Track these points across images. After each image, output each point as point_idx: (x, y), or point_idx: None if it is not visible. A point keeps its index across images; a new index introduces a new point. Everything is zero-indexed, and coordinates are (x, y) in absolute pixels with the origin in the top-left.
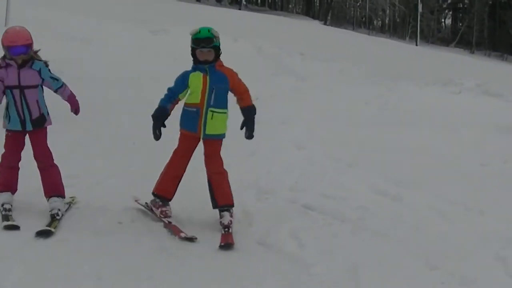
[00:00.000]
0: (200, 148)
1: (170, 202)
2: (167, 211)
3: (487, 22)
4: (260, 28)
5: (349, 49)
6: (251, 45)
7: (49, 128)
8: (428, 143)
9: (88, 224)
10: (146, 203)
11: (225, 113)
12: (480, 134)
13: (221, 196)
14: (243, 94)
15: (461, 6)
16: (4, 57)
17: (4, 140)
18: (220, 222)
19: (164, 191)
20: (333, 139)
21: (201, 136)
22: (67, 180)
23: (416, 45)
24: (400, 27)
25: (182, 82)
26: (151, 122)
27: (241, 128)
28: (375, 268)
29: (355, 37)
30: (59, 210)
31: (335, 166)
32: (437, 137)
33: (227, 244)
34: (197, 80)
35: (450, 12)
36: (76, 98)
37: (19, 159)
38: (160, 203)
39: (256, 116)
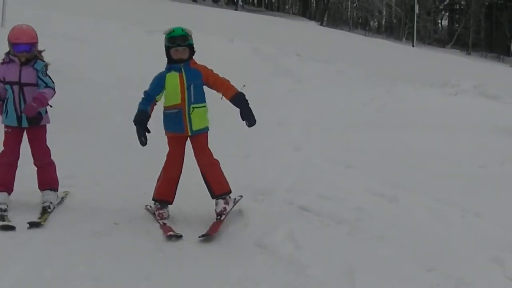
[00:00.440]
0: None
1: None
2: (163, 213)
3: (484, 23)
4: (256, 29)
5: (346, 50)
6: (247, 46)
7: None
8: (425, 144)
9: (85, 225)
10: (150, 206)
11: (204, 106)
12: (477, 136)
13: (216, 186)
14: (223, 86)
15: (457, 7)
16: (8, 52)
17: (3, 138)
18: (215, 210)
19: (164, 195)
20: (330, 141)
21: (189, 134)
22: (64, 181)
23: (413, 46)
24: (397, 28)
25: (159, 84)
26: (148, 123)
27: (242, 119)
28: (372, 270)
29: (351, 38)
30: (51, 203)
31: (332, 168)
32: (434, 138)
33: (204, 235)
34: (173, 80)
35: (447, 13)
36: (44, 98)
37: (18, 157)
38: (159, 205)
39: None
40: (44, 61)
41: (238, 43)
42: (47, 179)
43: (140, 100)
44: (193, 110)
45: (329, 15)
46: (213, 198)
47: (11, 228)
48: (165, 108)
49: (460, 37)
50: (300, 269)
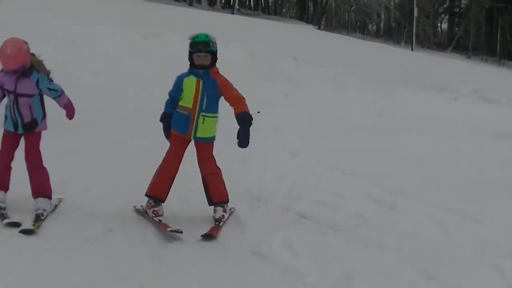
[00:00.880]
0: (191, 152)
1: (163, 204)
2: (158, 211)
3: (484, 27)
4: (253, 32)
5: (344, 54)
6: (244, 50)
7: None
8: (424, 150)
9: (78, 232)
10: (141, 206)
11: (215, 117)
12: (477, 141)
13: (215, 193)
14: (235, 101)
15: (457, 10)
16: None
17: (1, 139)
18: (213, 216)
19: (157, 192)
20: (327, 146)
21: (192, 138)
22: (56, 187)
23: (412, 50)
24: (396, 32)
25: (178, 86)
26: (142, 128)
27: (237, 138)
28: (370, 277)
29: (349, 42)
30: (44, 210)
31: (330, 174)
32: (433, 144)
33: (207, 235)
34: (190, 84)
35: (446, 17)
36: (73, 105)
37: (12, 158)
38: (153, 203)
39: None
40: (45, 70)
41: (234, 47)
42: (40, 186)
43: (165, 101)
44: (202, 119)
45: (326, 18)
46: (210, 205)
47: (16, 225)
48: (178, 106)
49: (460, 41)
50: (298, 277)
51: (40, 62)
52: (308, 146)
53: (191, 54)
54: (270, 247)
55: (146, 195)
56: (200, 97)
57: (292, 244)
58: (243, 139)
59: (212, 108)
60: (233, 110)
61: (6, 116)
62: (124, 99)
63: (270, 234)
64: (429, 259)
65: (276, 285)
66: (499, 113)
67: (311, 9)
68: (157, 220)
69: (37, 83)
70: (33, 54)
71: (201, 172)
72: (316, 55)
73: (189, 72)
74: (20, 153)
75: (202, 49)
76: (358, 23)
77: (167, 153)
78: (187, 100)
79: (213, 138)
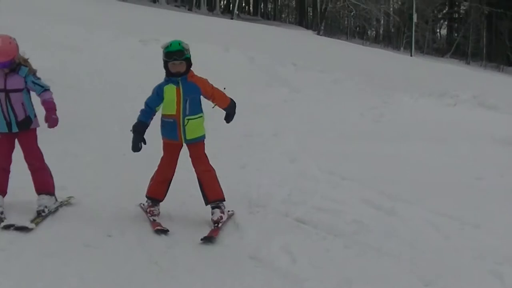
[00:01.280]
0: (185, 155)
1: (162, 204)
2: (154, 211)
3: (483, 32)
4: (252, 38)
5: (343, 59)
6: (243, 55)
7: (38, 138)
8: (423, 156)
9: (77, 237)
10: (142, 204)
11: (201, 116)
12: (476, 147)
13: (211, 192)
14: (218, 97)
15: (456, 16)
16: None
17: None
18: (211, 218)
19: (155, 193)
20: (326, 152)
21: (183, 142)
22: (56, 192)
23: (411, 55)
24: (395, 37)
25: (158, 95)
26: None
27: (224, 119)
28: (369, 283)
29: (348, 47)
30: (45, 207)
31: (328, 179)
32: (432, 150)
33: (207, 238)
34: (170, 92)
35: (446, 22)
36: (54, 105)
37: (10, 162)
38: (151, 203)
39: (249, 129)
40: (31, 68)
41: (233, 52)
42: (43, 183)
43: (140, 110)
44: (187, 122)
45: (326, 24)
46: (206, 204)
47: (13, 226)
48: (163, 115)
49: (459, 47)
50: (297, 282)
51: (26, 60)
52: (307, 152)
53: (166, 63)
54: (268, 252)
55: (146, 196)
56: (182, 103)
57: (291, 250)
58: (231, 118)
59: (196, 110)
60: (215, 104)
61: None
62: (123, 104)
63: (268, 239)
64: (428, 265)
65: None
66: (498, 119)
67: (311, 14)
68: (152, 219)
69: (25, 78)
70: None
71: (195, 170)
72: (316, 60)
73: (167, 81)
74: (18, 153)
75: (178, 58)
76: (358, 28)
77: (162, 160)
78: (170, 108)
79: (203, 137)
